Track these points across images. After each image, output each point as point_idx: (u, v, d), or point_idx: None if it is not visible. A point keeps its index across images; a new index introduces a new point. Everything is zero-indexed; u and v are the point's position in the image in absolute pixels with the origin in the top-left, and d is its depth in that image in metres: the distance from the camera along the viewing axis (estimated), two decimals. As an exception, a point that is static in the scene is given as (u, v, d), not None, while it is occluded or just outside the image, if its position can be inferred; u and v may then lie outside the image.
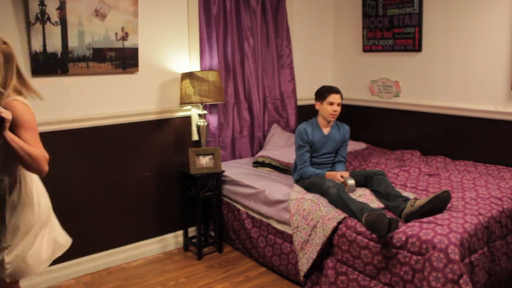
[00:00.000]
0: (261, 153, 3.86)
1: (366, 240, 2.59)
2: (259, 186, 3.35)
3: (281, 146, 4.01)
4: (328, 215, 2.77)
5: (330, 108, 3.17)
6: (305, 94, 4.49)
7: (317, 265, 2.88)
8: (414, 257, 2.39)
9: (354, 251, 2.65)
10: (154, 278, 3.25)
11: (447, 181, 3.22)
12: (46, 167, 1.94)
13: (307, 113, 4.54)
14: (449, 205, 2.78)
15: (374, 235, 2.55)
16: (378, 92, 4.20)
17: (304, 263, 2.86)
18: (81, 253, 3.27)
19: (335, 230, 2.74)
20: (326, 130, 3.28)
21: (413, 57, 3.92)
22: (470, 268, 2.39)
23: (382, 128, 4.26)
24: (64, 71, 3.01)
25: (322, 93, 3.20)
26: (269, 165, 3.76)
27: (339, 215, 2.72)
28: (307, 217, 2.88)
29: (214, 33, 3.72)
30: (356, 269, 2.66)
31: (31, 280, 3.06)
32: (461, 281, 2.23)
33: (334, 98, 3.16)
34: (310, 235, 2.85)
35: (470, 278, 2.36)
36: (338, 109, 3.19)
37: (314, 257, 2.80)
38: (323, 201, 2.92)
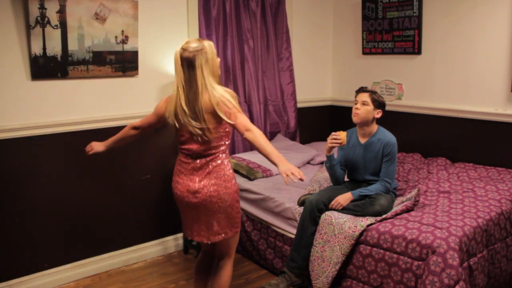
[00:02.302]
0: (240, 155, 3.86)
1: (369, 248, 2.60)
2: (262, 191, 3.34)
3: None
4: (343, 233, 2.68)
5: (353, 107, 2.94)
6: (305, 97, 4.50)
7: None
8: (416, 263, 2.39)
9: (358, 262, 2.65)
10: (154, 280, 3.25)
11: (446, 183, 3.22)
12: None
13: (307, 115, 4.55)
14: (448, 208, 2.78)
15: (375, 247, 2.56)
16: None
17: (324, 281, 2.74)
18: (80, 256, 3.28)
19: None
20: (363, 139, 3.01)
21: (412, 59, 3.92)
22: (469, 271, 2.39)
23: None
24: (64, 75, 3.02)
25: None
26: (237, 172, 3.65)
27: (353, 232, 2.65)
28: (320, 230, 2.81)
29: (214, 35, 3.72)
30: (360, 280, 2.65)
31: (30, 284, 3.07)
32: (457, 287, 2.23)
33: (358, 96, 2.93)
34: (324, 250, 2.77)
35: (469, 282, 2.36)
36: (362, 108, 2.89)
37: (334, 275, 2.71)
38: (335, 213, 2.83)
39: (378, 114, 2.94)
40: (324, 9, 4.55)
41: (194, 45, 2.21)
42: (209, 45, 2.25)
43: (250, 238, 3.41)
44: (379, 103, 2.92)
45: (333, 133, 2.90)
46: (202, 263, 2.60)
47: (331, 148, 2.93)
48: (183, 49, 2.21)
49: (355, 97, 2.97)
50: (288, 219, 3.10)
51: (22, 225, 3.01)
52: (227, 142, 2.35)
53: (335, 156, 3.05)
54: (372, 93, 2.93)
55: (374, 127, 2.99)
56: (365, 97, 2.91)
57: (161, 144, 3.57)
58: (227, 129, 2.31)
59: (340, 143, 2.87)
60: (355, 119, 2.94)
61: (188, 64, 2.20)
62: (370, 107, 2.90)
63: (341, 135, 2.87)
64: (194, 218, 2.38)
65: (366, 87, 2.99)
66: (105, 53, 3.15)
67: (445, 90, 3.73)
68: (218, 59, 2.34)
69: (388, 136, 2.94)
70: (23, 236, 3.02)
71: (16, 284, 3.02)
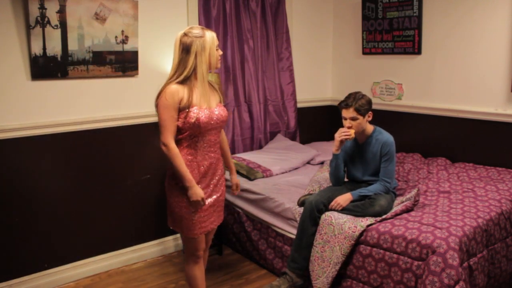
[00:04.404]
0: (240, 155, 3.86)
1: (369, 248, 2.60)
2: (262, 191, 3.33)
3: (275, 149, 4.03)
4: (343, 233, 2.68)
5: (344, 123, 2.89)
6: (305, 97, 4.50)
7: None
8: (416, 263, 2.39)
9: (358, 262, 2.65)
10: (154, 280, 3.25)
11: (446, 183, 3.22)
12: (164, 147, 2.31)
13: (307, 115, 4.55)
14: (448, 208, 2.78)
15: (375, 247, 2.56)
16: (380, 94, 4.21)
17: (324, 282, 2.73)
18: (80, 256, 3.28)
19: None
20: (360, 140, 2.99)
21: (412, 59, 3.92)
22: (469, 271, 2.39)
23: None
24: (64, 75, 3.02)
25: (338, 106, 2.94)
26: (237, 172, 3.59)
27: (353, 232, 2.64)
28: (320, 230, 2.80)
29: (214, 35, 3.72)
30: (360, 280, 2.65)
31: (30, 284, 3.07)
32: (457, 287, 2.23)
33: (344, 113, 2.87)
34: (324, 251, 2.77)
35: (469, 282, 2.36)
36: (353, 123, 2.84)
37: (334, 275, 2.70)
38: (335, 213, 2.82)
39: (369, 117, 2.92)
40: (324, 9, 4.55)
41: (195, 31, 2.28)
42: (210, 35, 2.30)
43: (250, 238, 3.41)
44: (366, 109, 2.86)
45: (341, 128, 2.89)
46: None
47: (341, 143, 2.91)
48: (184, 34, 2.27)
49: (342, 112, 2.90)
50: (288, 219, 3.10)
51: (22, 225, 3.01)
52: (179, 136, 2.33)
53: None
54: (355, 103, 2.83)
55: (370, 127, 2.98)
56: (351, 112, 2.84)
57: (161, 144, 3.56)
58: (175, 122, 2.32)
59: (349, 135, 2.85)
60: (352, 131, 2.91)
61: (184, 48, 2.25)
62: (360, 118, 2.85)
63: (350, 129, 2.87)
64: None
65: (346, 102, 2.86)
66: (105, 53, 3.15)
67: (445, 90, 3.73)
68: (219, 52, 2.37)
69: (386, 136, 2.94)
70: (23, 236, 3.02)
71: (16, 284, 3.02)
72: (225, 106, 3.83)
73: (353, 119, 2.85)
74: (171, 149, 2.28)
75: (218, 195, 2.50)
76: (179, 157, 2.30)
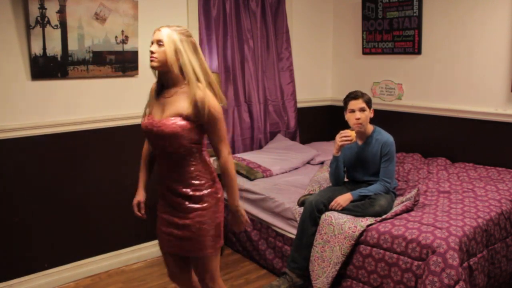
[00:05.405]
0: (240, 155, 3.86)
1: (369, 248, 2.60)
2: (262, 191, 3.34)
3: (275, 149, 4.03)
4: (343, 233, 2.67)
5: (352, 116, 2.90)
6: (305, 97, 4.50)
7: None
8: (416, 263, 2.39)
9: (358, 262, 2.65)
10: (154, 280, 3.25)
11: (446, 183, 3.22)
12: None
13: (307, 115, 4.55)
14: (448, 208, 2.78)
15: (375, 247, 2.56)
16: (380, 94, 4.21)
17: (324, 282, 2.73)
18: (80, 256, 3.28)
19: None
20: (360, 140, 2.99)
21: (412, 59, 3.92)
22: (469, 271, 2.39)
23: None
24: (64, 75, 3.02)
25: (344, 101, 2.95)
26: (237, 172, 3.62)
27: (353, 232, 2.64)
28: (320, 230, 2.80)
29: (214, 35, 3.72)
30: (360, 280, 2.65)
31: (30, 284, 3.07)
32: (457, 287, 2.23)
33: (353, 104, 2.88)
34: (324, 251, 2.77)
35: (469, 282, 2.36)
36: (362, 115, 2.86)
37: (334, 276, 2.70)
38: (335, 213, 2.82)
39: (372, 113, 2.96)
40: (324, 9, 4.55)
41: None
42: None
43: (250, 238, 3.41)
44: (371, 103, 2.94)
45: (341, 131, 2.89)
46: None
47: (341, 147, 2.91)
48: None
49: (348, 105, 2.91)
50: (288, 219, 3.10)
51: (22, 225, 3.01)
52: None
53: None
54: (362, 95, 2.90)
55: (370, 127, 2.99)
56: (360, 103, 2.87)
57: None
58: None
59: (351, 140, 2.86)
60: (359, 127, 2.89)
61: None
62: (367, 111, 2.90)
63: (350, 132, 2.86)
64: None
65: (355, 93, 2.91)
66: (105, 53, 3.15)
67: (445, 90, 3.73)
68: (152, 48, 2.01)
69: (386, 136, 2.94)
70: (23, 236, 3.02)
71: (16, 284, 3.02)
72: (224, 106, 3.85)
73: (362, 109, 2.87)
74: (143, 150, 2.34)
75: (177, 220, 2.08)
76: (142, 161, 2.33)
